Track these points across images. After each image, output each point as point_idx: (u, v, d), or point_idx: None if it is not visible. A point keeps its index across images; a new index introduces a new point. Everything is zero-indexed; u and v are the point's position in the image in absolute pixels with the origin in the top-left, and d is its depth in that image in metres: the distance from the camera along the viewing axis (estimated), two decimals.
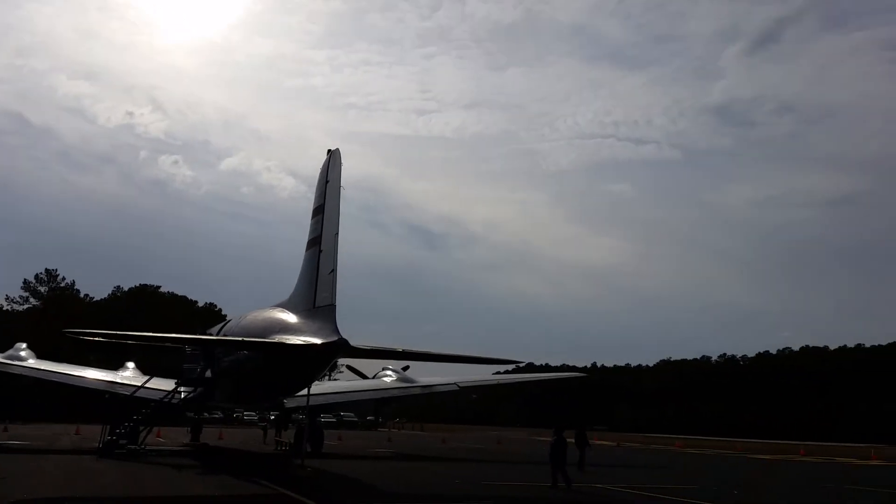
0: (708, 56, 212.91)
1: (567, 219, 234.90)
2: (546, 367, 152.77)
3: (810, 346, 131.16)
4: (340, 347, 21.79)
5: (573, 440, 30.23)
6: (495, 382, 54.51)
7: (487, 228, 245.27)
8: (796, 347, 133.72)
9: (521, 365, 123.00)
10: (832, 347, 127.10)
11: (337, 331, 21.89)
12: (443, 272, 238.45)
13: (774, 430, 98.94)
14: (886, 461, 44.81)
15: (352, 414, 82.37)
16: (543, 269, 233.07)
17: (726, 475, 30.03)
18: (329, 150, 27.11)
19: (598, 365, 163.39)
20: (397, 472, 26.27)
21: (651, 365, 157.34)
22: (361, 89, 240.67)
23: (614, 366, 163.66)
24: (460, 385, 41.76)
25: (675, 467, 35.10)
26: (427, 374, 42.77)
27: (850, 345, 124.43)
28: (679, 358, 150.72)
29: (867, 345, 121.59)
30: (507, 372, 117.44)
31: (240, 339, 25.78)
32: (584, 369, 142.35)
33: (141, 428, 31.20)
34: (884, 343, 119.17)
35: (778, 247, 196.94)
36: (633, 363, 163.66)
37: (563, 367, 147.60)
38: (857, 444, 73.15)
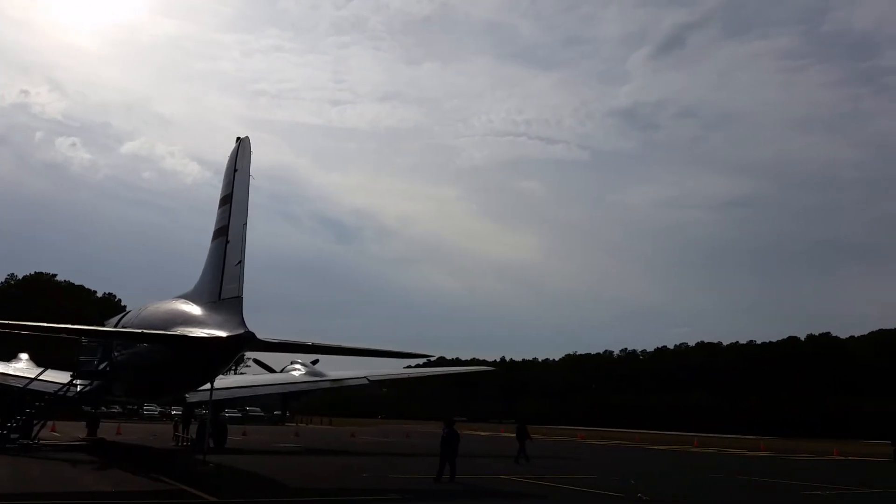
0: (615, 59, 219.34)
1: (479, 214, 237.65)
2: (457, 361, 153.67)
3: (705, 341, 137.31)
4: (246, 341, 21.33)
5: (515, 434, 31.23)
6: (406, 376, 54.59)
7: (402, 222, 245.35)
8: (692, 343, 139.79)
9: (432, 359, 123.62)
10: (725, 343, 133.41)
11: (243, 323, 21.44)
12: (356, 266, 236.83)
13: (671, 421, 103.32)
14: (775, 452, 47.51)
15: (258, 409, 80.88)
16: (456, 264, 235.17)
17: (624, 465, 31.16)
18: (238, 138, 26.46)
19: (508, 359, 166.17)
20: (303, 467, 26.02)
21: (558, 359, 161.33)
22: (272, 76, 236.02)
23: (523, 360, 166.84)
24: (370, 379, 41.65)
25: (576, 458, 36.19)
26: (338, 368, 42.49)
27: (743, 341, 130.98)
28: (584, 352, 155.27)
29: (758, 341, 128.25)
30: (418, 366, 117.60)
31: (140, 330, 24.88)
32: (493, 363, 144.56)
33: (35, 421, 29.95)
34: (774, 340, 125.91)
35: (678, 246, 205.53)
36: (541, 357, 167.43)
37: (474, 361, 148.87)
38: (747, 436, 77.38)
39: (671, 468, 30.80)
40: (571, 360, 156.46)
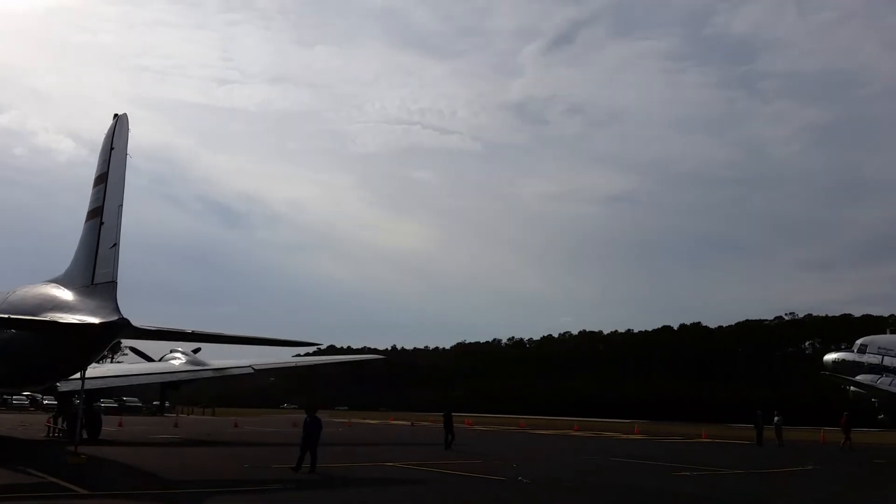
0: (509, 52, 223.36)
1: (372, 202, 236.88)
2: (348, 350, 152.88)
3: (587, 329, 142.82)
4: (120, 328, 20.36)
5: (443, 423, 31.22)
6: (293, 365, 53.76)
7: (291, 208, 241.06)
8: (575, 331, 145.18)
9: (321, 347, 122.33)
10: (606, 331, 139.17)
11: (117, 310, 20.43)
12: (243, 251, 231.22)
13: (554, 407, 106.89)
14: (648, 435, 49.98)
15: (135, 399, 77.53)
16: (347, 252, 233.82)
17: (508, 450, 31.95)
18: (116, 115, 25.08)
19: (399, 347, 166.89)
20: (181, 458, 25.15)
21: (448, 347, 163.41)
22: (156, 51, 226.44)
23: (413, 348, 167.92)
24: (256, 368, 40.68)
25: (462, 443, 36.79)
26: (223, 357, 41.35)
27: (622, 329, 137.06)
28: (473, 340, 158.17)
29: (636, 329, 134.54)
30: (307, 354, 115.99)
31: (6, 315, 23.25)
32: (384, 352, 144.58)
33: None
34: (650, 329, 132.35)
35: (565, 238, 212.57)
36: (432, 346, 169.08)
37: (364, 350, 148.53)
38: (623, 420, 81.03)
39: (551, 451, 31.84)
40: (461, 349, 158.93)
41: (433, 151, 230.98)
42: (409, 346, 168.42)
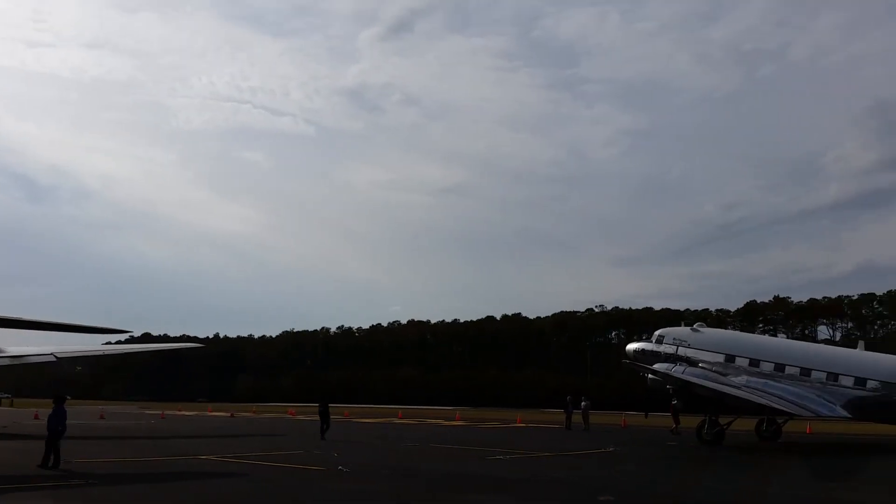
0: (346, 36, 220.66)
1: (196, 182, 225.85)
2: (165, 338, 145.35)
3: (416, 319, 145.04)
4: None
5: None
6: (101, 353, 50.35)
7: (105, 184, 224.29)
8: (404, 320, 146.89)
9: (134, 335, 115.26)
10: (434, 321, 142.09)
11: None
12: (49, 229, 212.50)
13: (382, 395, 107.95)
14: (468, 421, 51.83)
15: None
16: (167, 233, 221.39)
17: (330, 439, 31.84)
18: None
19: (222, 335, 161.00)
20: None
21: (275, 335, 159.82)
22: None
23: (238, 336, 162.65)
24: (58, 356, 37.75)
25: (284, 434, 36.25)
26: (23, 344, 37.95)
27: (449, 319, 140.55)
28: (301, 329, 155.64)
29: (462, 319, 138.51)
30: (119, 342, 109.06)
31: None
32: (206, 340, 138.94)
33: None
34: (474, 318, 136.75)
35: (395, 227, 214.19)
36: (257, 334, 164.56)
37: (184, 338, 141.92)
38: (446, 407, 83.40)
39: (374, 440, 32.15)
40: (289, 337, 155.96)
41: (264, 133, 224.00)
42: (232, 335, 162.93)
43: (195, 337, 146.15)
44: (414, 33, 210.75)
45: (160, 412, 65.22)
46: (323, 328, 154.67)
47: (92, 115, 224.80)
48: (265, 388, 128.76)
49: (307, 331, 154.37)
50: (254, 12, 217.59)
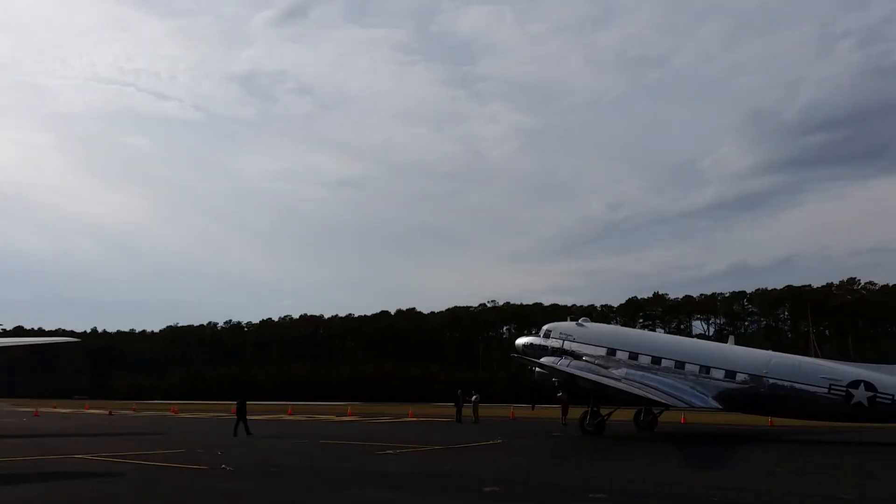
0: (238, 18, 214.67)
1: (74, 168, 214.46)
2: (39, 332, 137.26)
3: (308, 314, 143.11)
4: None
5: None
6: None
7: None
8: (296, 315, 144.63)
9: (5, 328, 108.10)
10: (327, 315, 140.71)
11: None
12: None
13: (273, 391, 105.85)
14: (360, 416, 51.61)
15: None
16: (42, 221, 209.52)
17: (215, 437, 30.99)
18: None
19: (101, 330, 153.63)
20: None
21: (157, 330, 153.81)
22: None
23: (118, 331, 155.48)
24: None
25: (166, 432, 34.96)
26: None
27: (343, 314, 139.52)
28: (186, 323, 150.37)
29: (356, 314, 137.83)
30: None
31: None
32: (83, 334, 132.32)
33: None
34: (369, 313, 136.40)
35: (288, 220, 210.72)
36: (139, 328, 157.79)
37: (59, 332, 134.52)
38: (338, 402, 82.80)
39: (261, 437, 31.50)
40: (172, 332, 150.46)
41: (148, 117, 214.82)
42: (112, 329, 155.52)
43: (72, 331, 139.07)
44: (308, 19, 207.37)
45: (34, 410, 61.44)
46: (210, 323, 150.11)
47: None
48: (146, 385, 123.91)
49: (192, 325, 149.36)
50: None
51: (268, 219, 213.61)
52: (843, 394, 28.30)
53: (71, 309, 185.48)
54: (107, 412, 59.63)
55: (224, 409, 62.38)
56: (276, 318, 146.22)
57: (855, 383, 28.32)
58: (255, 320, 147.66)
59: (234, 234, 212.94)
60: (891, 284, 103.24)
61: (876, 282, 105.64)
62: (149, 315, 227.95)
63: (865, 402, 28.00)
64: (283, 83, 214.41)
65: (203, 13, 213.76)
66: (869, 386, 28.09)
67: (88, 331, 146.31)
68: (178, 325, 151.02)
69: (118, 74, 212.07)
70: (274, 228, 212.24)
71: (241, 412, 31.52)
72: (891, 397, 27.70)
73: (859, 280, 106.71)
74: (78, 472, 18.40)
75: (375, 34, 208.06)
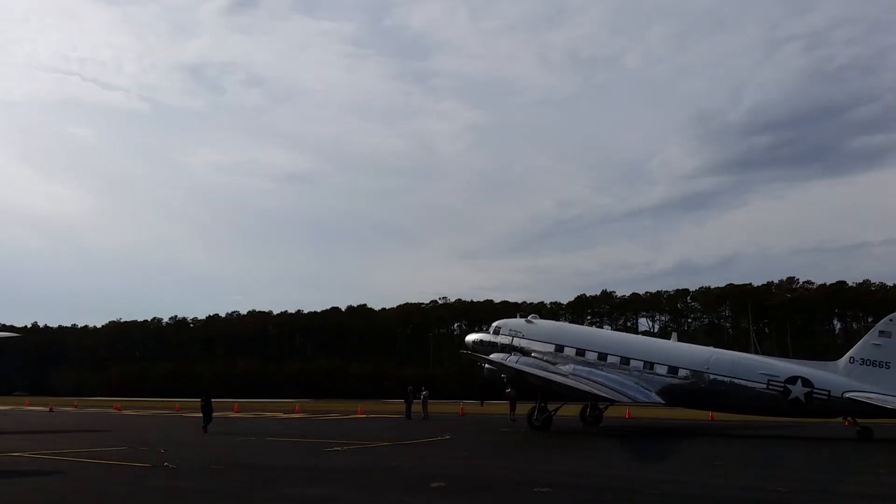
0: (186, 7, 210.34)
1: (14, 158, 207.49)
2: None
3: (257, 309, 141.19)
4: None
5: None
6: None
7: None
8: (244, 311, 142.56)
9: None
10: (276, 311, 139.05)
11: None
12: None
13: (218, 389, 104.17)
14: (309, 413, 51.24)
15: None
16: None
17: (159, 435, 30.46)
18: None
19: (41, 325, 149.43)
20: None
21: (100, 326, 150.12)
22: None
23: (59, 326, 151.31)
24: None
25: (107, 430, 34.20)
26: None
27: (292, 310, 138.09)
28: (130, 319, 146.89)
29: (306, 310, 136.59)
30: None
31: None
32: (23, 329, 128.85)
33: None
34: (319, 310, 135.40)
35: (237, 214, 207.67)
36: (81, 324, 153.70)
37: None
38: (286, 399, 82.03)
39: (206, 435, 31.04)
40: (116, 328, 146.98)
41: (93, 107, 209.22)
42: (53, 324, 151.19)
43: (11, 326, 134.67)
44: (259, 9, 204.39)
45: None
46: (154, 318, 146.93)
47: None
48: (89, 382, 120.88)
49: (136, 321, 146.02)
50: None
51: (216, 212, 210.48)
52: (781, 389, 29.20)
53: (9, 303, 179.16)
54: (47, 409, 58.01)
55: (168, 407, 61.22)
56: (223, 314, 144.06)
57: (793, 379, 29.24)
58: (202, 316, 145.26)
59: (180, 227, 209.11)
60: (828, 284, 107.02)
61: (814, 281, 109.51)
62: (91, 310, 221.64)
63: (803, 398, 28.93)
64: (232, 74, 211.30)
65: (150, 1, 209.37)
66: (806, 382, 29.03)
67: (29, 325, 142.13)
68: (122, 320, 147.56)
69: (62, 63, 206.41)
70: (222, 222, 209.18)
71: (206, 409, 31.60)
72: (827, 393, 28.67)
73: (798, 279, 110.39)
74: (14, 470, 17.86)
75: (326, 26, 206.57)
